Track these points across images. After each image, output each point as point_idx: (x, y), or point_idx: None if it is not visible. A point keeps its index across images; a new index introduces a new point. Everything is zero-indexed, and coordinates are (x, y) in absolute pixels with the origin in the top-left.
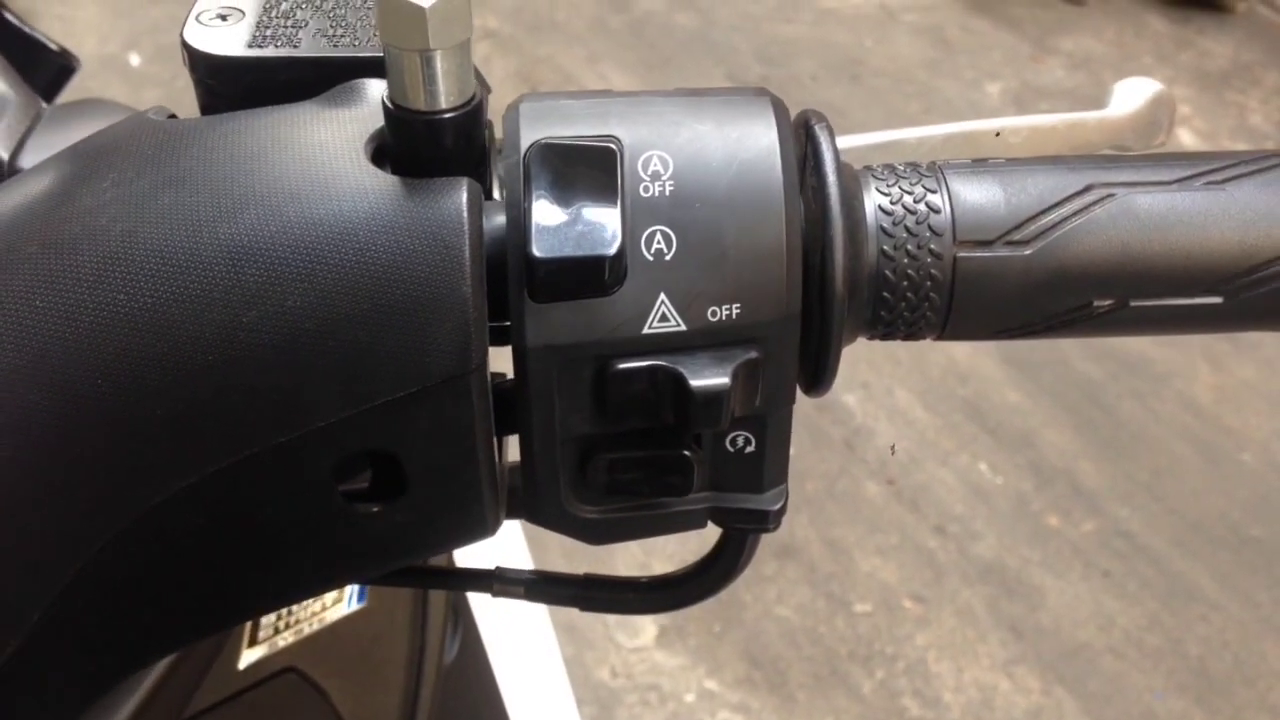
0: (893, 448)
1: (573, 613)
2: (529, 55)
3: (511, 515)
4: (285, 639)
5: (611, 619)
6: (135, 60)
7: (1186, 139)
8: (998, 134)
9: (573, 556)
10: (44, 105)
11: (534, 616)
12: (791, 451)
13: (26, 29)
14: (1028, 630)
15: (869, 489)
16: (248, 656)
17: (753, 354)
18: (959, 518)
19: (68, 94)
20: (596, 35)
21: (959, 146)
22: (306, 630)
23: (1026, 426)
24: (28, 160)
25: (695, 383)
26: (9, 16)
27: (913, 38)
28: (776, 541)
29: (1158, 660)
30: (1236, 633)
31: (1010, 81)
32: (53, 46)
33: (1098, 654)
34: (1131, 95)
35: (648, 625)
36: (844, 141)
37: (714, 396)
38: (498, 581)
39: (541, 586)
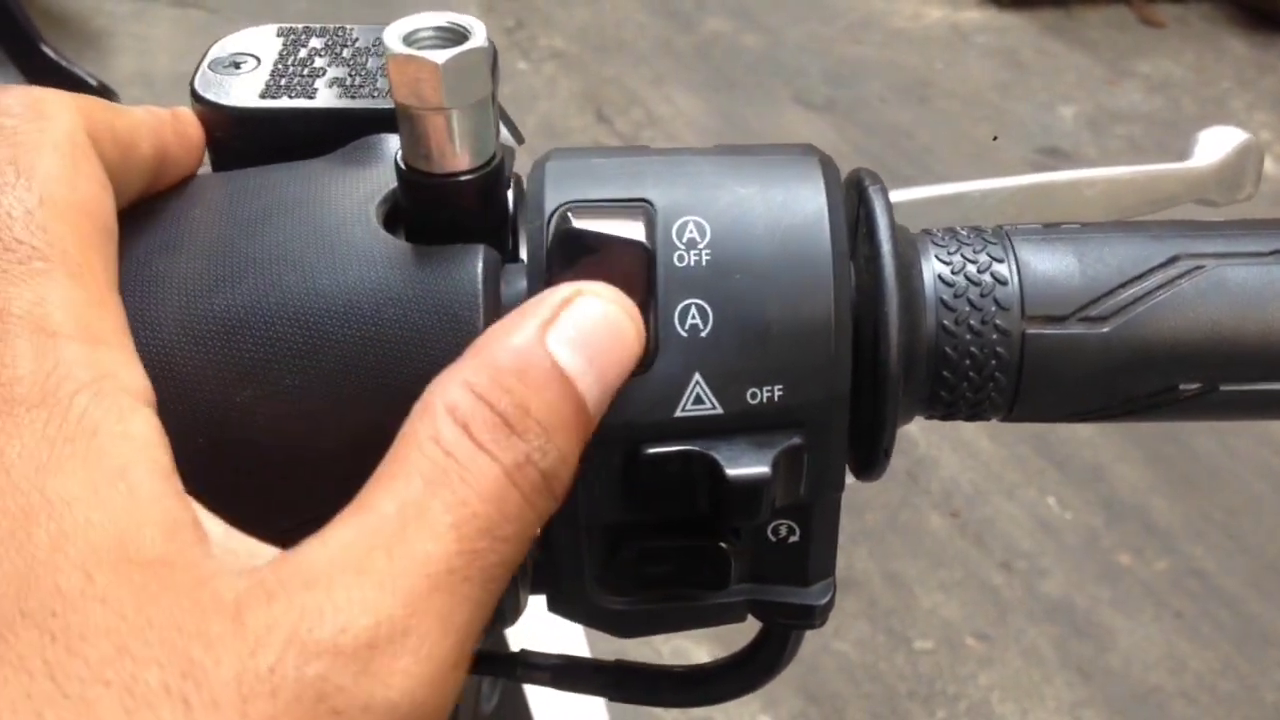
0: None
1: (623, 640)
2: (595, 75)
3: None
4: None
5: (665, 647)
6: None
7: (1268, 167)
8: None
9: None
10: None
11: None
12: (851, 481)
13: (65, 63)
14: (1096, 672)
15: (932, 521)
16: None
17: (796, 439)
18: (1026, 553)
19: None
20: (663, 56)
21: (1030, 200)
22: None
23: (1097, 460)
24: None
25: (732, 471)
26: (48, 51)
27: (984, 59)
28: (836, 573)
29: (1231, 706)
30: None
31: (1085, 105)
32: (92, 82)
33: (1168, 698)
34: (1216, 145)
35: (702, 657)
36: (903, 195)
37: (752, 487)
38: (521, 666)
39: (569, 673)
